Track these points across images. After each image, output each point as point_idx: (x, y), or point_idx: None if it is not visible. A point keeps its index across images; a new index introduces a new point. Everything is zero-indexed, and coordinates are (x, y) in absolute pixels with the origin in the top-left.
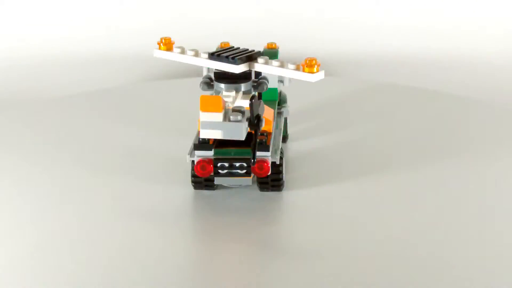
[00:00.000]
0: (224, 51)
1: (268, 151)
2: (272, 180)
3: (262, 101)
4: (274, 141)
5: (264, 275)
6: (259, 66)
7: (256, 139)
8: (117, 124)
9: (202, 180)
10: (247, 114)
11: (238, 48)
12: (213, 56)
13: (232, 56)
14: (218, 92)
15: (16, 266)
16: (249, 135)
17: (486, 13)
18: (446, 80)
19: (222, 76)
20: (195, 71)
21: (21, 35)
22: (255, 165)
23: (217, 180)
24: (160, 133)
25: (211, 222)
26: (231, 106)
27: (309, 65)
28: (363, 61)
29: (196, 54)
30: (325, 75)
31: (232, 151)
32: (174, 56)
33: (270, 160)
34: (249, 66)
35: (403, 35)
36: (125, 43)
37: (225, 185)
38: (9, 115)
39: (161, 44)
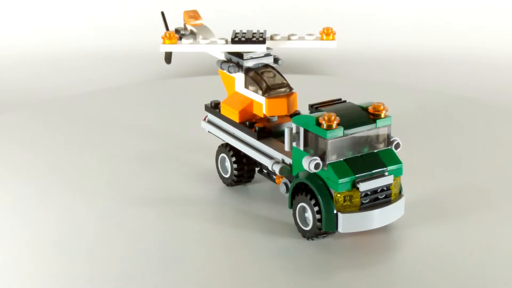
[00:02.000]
0: (239, 36)
1: None
2: None
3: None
4: None
5: None
6: (280, 42)
7: None
8: (118, 124)
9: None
10: None
11: (244, 32)
12: (238, 40)
13: (255, 38)
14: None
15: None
16: None
17: (485, 13)
18: (446, 80)
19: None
20: (194, 71)
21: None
22: None
23: None
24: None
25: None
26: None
27: (327, 33)
28: (362, 61)
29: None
30: (324, 75)
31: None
32: (183, 47)
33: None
34: (271, 44)
35: (403, 34)
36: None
37: None
38: (10, 116)
39: (165, 38)
